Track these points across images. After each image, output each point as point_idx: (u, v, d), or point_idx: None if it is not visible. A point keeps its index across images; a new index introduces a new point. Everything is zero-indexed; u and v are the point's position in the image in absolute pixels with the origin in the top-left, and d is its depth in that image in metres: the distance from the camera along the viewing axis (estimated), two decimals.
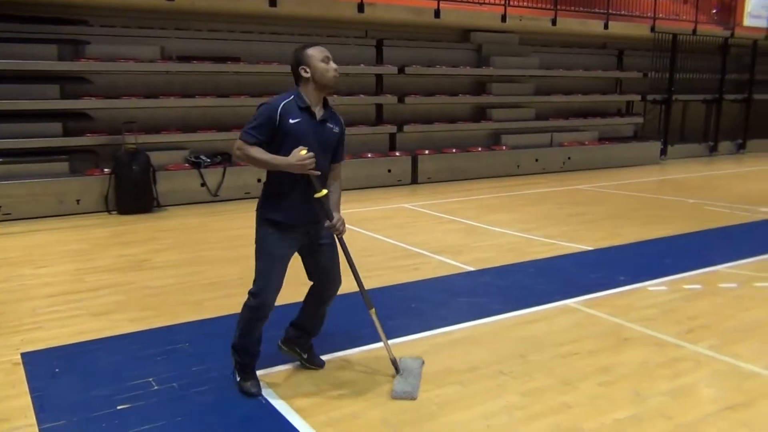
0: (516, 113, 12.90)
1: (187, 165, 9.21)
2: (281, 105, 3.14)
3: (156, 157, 8.75)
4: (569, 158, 12.79)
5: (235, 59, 10.08)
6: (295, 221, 3.25)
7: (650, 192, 10.21)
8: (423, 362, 3.68)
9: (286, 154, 3.11)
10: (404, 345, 3.98)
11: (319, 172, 3.18)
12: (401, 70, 11.49)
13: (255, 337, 3.37)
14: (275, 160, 3.11)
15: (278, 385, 3.45)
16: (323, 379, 3.55)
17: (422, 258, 6.03)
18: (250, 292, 3.29)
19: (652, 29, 14.54)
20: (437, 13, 11.54)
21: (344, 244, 3.39)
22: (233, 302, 4.79)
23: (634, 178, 11.83)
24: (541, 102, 13.33)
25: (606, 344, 4.02)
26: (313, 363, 3.66)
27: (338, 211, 3.32)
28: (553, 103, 13.58)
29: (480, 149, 11.91)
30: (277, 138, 3.15)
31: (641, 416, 3.13)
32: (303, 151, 3.10)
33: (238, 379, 3.40)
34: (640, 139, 14.60)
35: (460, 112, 12.51)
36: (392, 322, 4.26)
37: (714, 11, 16.54)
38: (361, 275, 3.48)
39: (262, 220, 3.28)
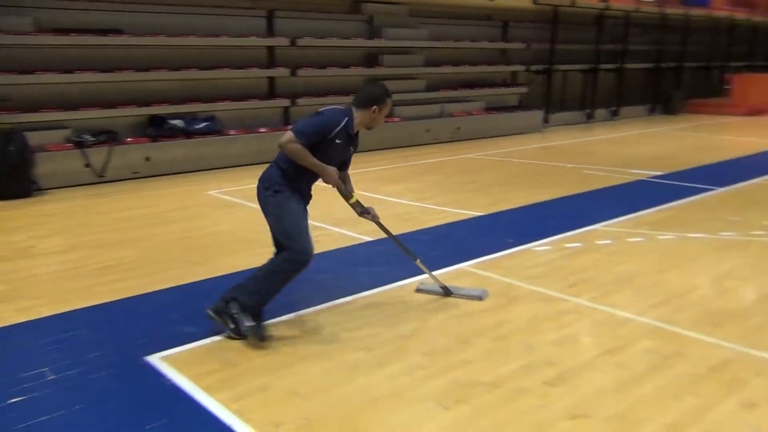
0: (408, 85, 13.09)
1: (69, 145, 8.71)
2: (341, 125, 3.66)
3: (34, 138, 8.20)
4: (458, 128, 13.18)
5: (118, 32, 9.57)
6: (303, 193, 3.82)
7: (534, 159, 10.77)
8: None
9: (316, 156, 3.61)
10: (309, 316, 4.06)
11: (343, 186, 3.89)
12: (293, 42, 11.35)
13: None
14: (317, 164, 3.62)
15: (181, 364, 3.43)
16: (228, 353, 3.56)
17: (322, 231, 6.09)
18: (294, 251, 3.57)
19: (535, 1, 15.10)
20: None
21: (383, 225, 4.16)
22: (128, 285, 4.67)
23: (519, 145, 12.41)
24: (431, 73, 13.59)
25: (498, 302, 4.29)
26: (239, 334, 3.71)
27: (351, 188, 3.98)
28: (442, 74, 13.89)
29: None
30: (318, 143, 3.62)
31: (531, 365, 3.39)
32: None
33: (250, 323, 3.63)
34: (524, 108, 15.23)
35: (353, 85, 12.53)
36: (294, 296, 4.31)
37: None
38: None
39: (277, 192, 3.66)
